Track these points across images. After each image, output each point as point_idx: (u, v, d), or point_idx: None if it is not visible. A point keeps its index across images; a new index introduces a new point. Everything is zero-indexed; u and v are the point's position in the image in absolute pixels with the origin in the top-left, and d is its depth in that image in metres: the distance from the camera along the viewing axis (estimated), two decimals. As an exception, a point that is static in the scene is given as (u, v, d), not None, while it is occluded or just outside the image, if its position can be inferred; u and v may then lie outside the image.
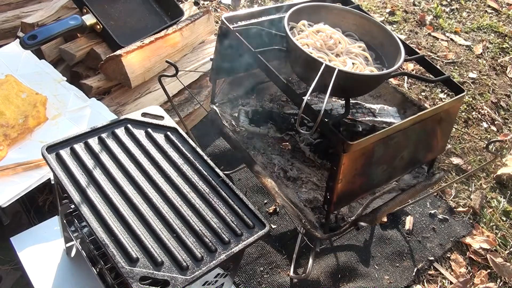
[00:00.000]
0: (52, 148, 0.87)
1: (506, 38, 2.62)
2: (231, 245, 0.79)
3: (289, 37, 0.84)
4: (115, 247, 0.74)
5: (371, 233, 1.48)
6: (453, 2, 2.85)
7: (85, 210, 0.78)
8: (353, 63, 0.89)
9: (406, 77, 2.17)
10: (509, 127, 2.07)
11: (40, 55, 1.47)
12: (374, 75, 0.88)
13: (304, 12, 0.95)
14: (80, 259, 1.09)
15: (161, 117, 0.98)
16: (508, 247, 1.56)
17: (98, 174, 0.85)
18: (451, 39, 2.52)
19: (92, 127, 0.93)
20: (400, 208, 1.53)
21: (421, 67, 1.05)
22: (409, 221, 1.55)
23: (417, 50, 1.02)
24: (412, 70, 2.17)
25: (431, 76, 1.03)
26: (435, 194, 1.66)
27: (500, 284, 1.45)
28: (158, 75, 1.10)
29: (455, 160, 1.82)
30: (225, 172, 1.47)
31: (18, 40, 1.41)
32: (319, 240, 1.12)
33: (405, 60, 0.97)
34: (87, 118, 1.31)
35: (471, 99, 2.15)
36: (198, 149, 0.94)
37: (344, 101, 0.92)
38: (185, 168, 0.90)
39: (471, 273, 1.46)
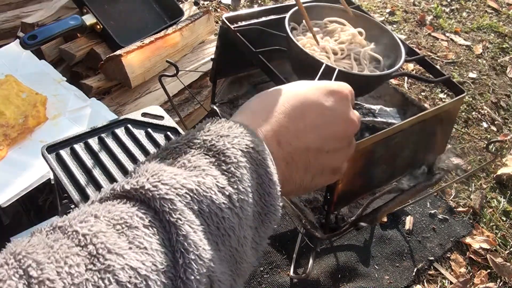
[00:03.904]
0: (52, 148, 0.87)
1: (506, 38, 2.62)
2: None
3: (290, 37, 0.84)
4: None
5: (371, 233, 1.48)
6: (453, 2, 2.86)
7: (85, 210, 0.78)
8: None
9: (406, 77, 2.17)
10: (509, 127, 2.08)
11: (40, 55, 1.47)
12: (375, 76, 0.88)
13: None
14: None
15: (161, 117, 0.98)
16: (508, 247, 1.56)
17: (98, 174, 0.85)
18: (451, 39, 2.52)
19: (92, 127, 0.93)
20: (400, 208, 1.53)
21: (421, 67, 1.05)
22: (409, 221, 1.55)
23: (417, 50, 1.02)
24: (412, 70, 2.17)
25: (431, 76, 1.03)
26: (435, 194, 1.66)
27: (500, 284, 1.45)
28: (158, 75, 1.09)
29: (455, 160, 1.82)
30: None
31: (18, 40, 1.41)
32: (319, 240, 1.12)
33: (406, 61, 0.97)
34: (87, 118, 1.31)
35: (471, 99, 2.15)
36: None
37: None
38: (185, 168, 0.89)
39: (471, 273, 1.46)
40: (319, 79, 0.73)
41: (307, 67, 0.82)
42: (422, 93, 2.13)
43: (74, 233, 0.35)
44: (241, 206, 0.41)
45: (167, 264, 0.35)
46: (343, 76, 0.76)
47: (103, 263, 0.33)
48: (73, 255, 0.33)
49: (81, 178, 0.83)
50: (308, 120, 0.49)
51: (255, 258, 0.44)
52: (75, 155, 0.87)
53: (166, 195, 0.37)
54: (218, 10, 2.31)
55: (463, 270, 1.45)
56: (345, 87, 0.54)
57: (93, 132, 0.92)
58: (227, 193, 0.40)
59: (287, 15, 0.90)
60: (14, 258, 0.32)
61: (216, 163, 0.42)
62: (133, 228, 0.36)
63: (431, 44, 2.45)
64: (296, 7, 0.93)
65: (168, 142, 0.45)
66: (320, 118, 0.50)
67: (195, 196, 0.38)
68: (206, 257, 0.37)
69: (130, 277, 0.33)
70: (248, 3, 2.42)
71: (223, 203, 0.39)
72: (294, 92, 0.51)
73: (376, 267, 1.40)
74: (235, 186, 0.41)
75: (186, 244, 0.36)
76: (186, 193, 0.38)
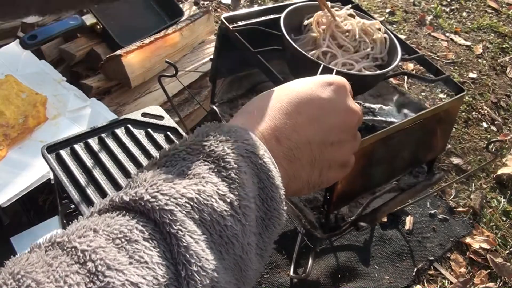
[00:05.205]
0: (52, 148, 0.87)
1: (506, 38, 2.62)
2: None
3: (285, 37, 0.84)
4: (115, 247, 0.73)
5: (371, 233, 1.48)
6: (453, 2, 2.86)
7: (85, 210, 0.78)
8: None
9: (406, 77, 2.17)
10: (509, 127, 2.07)
11: (40, 55, 1.47)
12: (371, 75, 0.88)
13: (302, 11, 0.95)
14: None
15: (161, 117, 0.98)
16: (508, 247, 1.56)
17: (98, 174, 0.85)
18: (451, 39, 2.52)
19: (92, 127, 0.93)
20: (400, 208, 1.53)
21: (421, 67, 1.05)
22: (409, 221, 1.55)
23: (417, 50, 1.02)
24: (412, 70, 2.17)
25: (431, 75, 1.03)
26: (435, 194, 1.66)
27: (500, 284, 1.45)
28: (158, 76, 1.09)
29: (455, 160, 1.82)
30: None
31: (18, 40, 1.41)
32: (319, 240, 1.12)
33: (405, 60, 0.97)
34: (87, 118, 1.31)
35: (471, 99, 2.15)
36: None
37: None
38: (185, 168, 0.89)
39: (471, 273, 1.46)
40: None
41: (304, 68, 0.82)
42: (422, 93, 2.13)
43: (73, 249, 0.34)
44: (244, 212, 0.40)
45: (169, 277, 0.34)
46: (341, 75, 0.76)
47: (102, 280, 0.32)
48: (73, 273, 0.32)
49: (81, 178, 0.83)
50: (306, 113, 0.48)
51: (260, 264, 0.42)
52: (75, 155, 0.87)
53: (165, 206, 0.37)
54: (218, 10, 2.31)
55: (463, 270, 1.45)
56: (341, 78, 0.53)
57: (93, 132, 0.92)
58: (228, 200, 0.39)
59: (283, 15, 0.90)
60: (13, 278, 0.31)
61: (216, 170, 0.41)
62: (133, 241, 0.35)
63: (431, 44, 2.45)
64: (292, 6, 0.93)
65: (166, 149, 0.44)
66: (318, 110, 0.49)
67: (196, 205, 0.38)
68: (209, 268, 0.36)
69: None
70: (248, 3, 2.42)
71: (225, 210, 0.38)
72: (290, 89, 0.50)
73: (376, 267, 1.40)
74: (236, 193, 0.40)
75: (188, 255, 0.35)
76: (186, 202, 0.37)
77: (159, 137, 0.94)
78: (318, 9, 0.95)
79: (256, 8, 1.05)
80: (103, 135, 0.92)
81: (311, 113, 0.49)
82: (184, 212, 0.37)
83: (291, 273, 1.31)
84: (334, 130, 0.50)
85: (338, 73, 0.74)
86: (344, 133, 0.51)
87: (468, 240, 1.53)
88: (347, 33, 0.90)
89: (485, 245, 1.52)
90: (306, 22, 0.93)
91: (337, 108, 0.50)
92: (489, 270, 1.47)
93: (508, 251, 1.54)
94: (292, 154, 0.47)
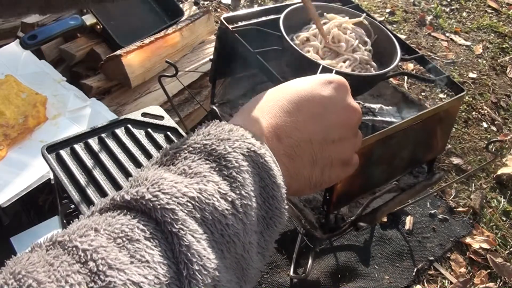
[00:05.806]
0: (52, 148, 0.87)
1: (506, 38, 2.62)
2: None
3: (285, 38, 0.84)
4: (115, 247, 0.73)
5: (371, 233, 1.48)
6: (453, 2, 2.85)
7: (85, 210, 0.78)
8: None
9: (406, 77, 2.17)
10: (509, 127, 2.07)
11: (40, 55, 1.47)
12: (370, 75, 0.88)
13: (301, 12, 0.95)
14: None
15: (161, 117, 0.98)
16: (508, 247, 1.56)
17: (98, 174, 0.85)
18: (451, 39, 2.52)
19: (92, 127, 0.93)
20: (400, 208, 1.53)
21: (421, 67, 1.05)
22: (409, 221, 1.55)
23: (417, 50, 1.02)
24: (413, 70, 2.17)
25: (431, 75, 1.03)
26: (435, 194, 1.66)
27: (500, 284, 1.45)
28: (158, 76, 1.10)
29: (455, 160, 1.82)
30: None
31: (18, 40, 1.41)
32: (319, 240, 1.12)
33: (404, 60, 0.97)
34: (87, 118, 1.31)
35: (471, 99, 2.15)
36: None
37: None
38: (185, 168, 0.89)
39: (471, 273, 1.46)
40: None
41: (303, 68, 0.82)
42: (422, 93, 2.13)
43: (74, 248, 0.34)
44: (245, 211, 0.40)
45: (170, 276, 0.34)
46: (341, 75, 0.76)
47: (103, 280, 0.32)
48: (74, 273, 0.32)
49: (81, 178, 0.83)
50: (306, 111, 0.48)
51: (262, 263, 0.43)
52: (75, 155, 0.87)
53: (167, 205, 0.37)
54: (218, 10, 2.31)
55: (463, 270, 1.45)
56: (341, 77, 0.53)
57: (93, 132, 0.92)
58: (229, 199, 0.39)
59: (282, 15, 0.90)
60: (14, 278, 0.31)
61: (217, 169, 0.41)
62: (134, 241, 0.35)
63: (431, 44, 2.45)
64: (292, 7, 0.93)
65: (167, 147, 0.44)
66: (319, 108, 0.49)
67: (197, 204, 0.38)
68: (210, 267, 0.36)
69: None
70: (248, 3, 2.42)
71: (226, 209, 0.39)
72: (290, 87, 0.50)
73: (376, 267, 1.40)
74: (238, 192, 0.40)
75: (189, 254, 0.35)
76: (187, 201, 0.37)
77: (159, 137, 0.94)
78: (317, 9, 0.95)
79: (255, 8, 1.05)
80: (103, 135, 0.92)
81: (312, 110, 0.49)
82: (186, 211, 0.37)
83: (291, 273, 1.31)
84: (335, 127, 0.50)
85: (337, 73, 0.74)
86: (345, 131, 0.51)
87: (468, 240, 1.54)
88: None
89: (485, 245, 1.52)
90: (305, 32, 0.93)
91: (338, 105, 0.50)
92: (489, 270, 1.47)
93: (508, 251, 1.54)
94: (293, 152, 0.47)
